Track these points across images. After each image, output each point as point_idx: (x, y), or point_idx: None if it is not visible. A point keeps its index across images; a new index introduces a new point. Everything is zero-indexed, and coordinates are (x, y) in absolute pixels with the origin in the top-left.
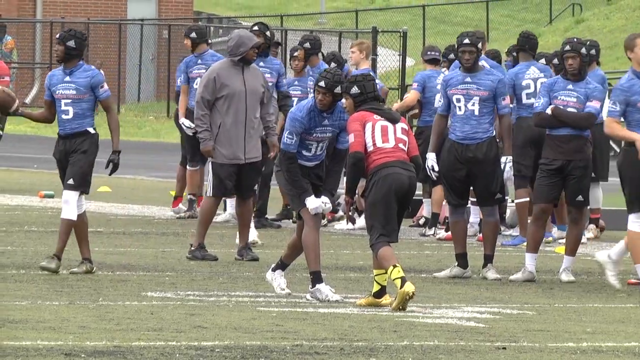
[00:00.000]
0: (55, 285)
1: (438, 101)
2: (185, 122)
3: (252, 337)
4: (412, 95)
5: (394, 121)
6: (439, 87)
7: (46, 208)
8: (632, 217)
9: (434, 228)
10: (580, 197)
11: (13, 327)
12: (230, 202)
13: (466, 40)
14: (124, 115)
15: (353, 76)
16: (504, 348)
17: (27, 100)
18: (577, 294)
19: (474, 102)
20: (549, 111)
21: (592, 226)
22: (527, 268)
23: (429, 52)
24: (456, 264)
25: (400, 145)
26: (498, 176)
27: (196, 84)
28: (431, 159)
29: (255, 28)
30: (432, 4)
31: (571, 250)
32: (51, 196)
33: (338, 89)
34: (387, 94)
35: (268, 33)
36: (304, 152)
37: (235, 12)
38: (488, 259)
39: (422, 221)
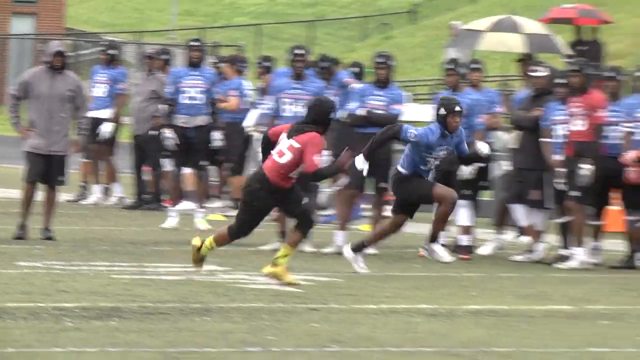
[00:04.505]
0: None
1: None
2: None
3: (106, 300)
4: (233, 102)
5: None
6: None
7: None
8: None
9: None
10: (382, 184)
11: None
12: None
13: (297, 51)
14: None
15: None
16: (317, 309)
17: None
18: (378, 264)
19: (303, 105)
20: (361, 112)
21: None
22: (337, 242)
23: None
24: (277, 239)
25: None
26: None
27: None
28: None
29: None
30: (266, 23)
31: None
32: None
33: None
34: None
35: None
36: (422, 167)
37: (101, 28)
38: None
39: None
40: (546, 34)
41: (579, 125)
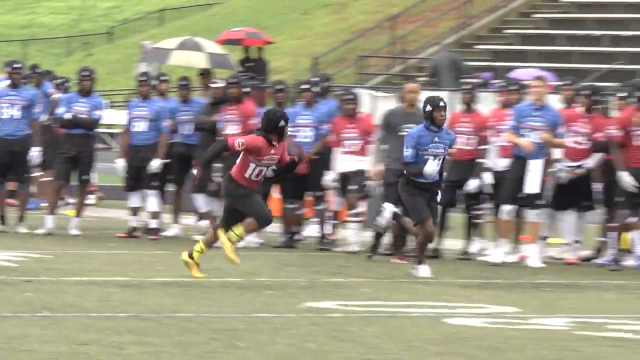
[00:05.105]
0: None
1: None
2: None
3: None
4: None
5: None
6: None
7: None
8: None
9: None
10: (84, 176)
11: None
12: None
13: (15, 65)
14: None
15: None
16: (30, 281)
17: None
18: (80, 244)
19: (17, 109)
20: (68, 116)
21: (92, 196)
22: (47, 225)
23: None
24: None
25: None
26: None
27: None
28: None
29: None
30: None
31: (78, 211)
32: None
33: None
34: None
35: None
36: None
37: None
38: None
39: None
40: (223, 53)
41: (234, 129)
